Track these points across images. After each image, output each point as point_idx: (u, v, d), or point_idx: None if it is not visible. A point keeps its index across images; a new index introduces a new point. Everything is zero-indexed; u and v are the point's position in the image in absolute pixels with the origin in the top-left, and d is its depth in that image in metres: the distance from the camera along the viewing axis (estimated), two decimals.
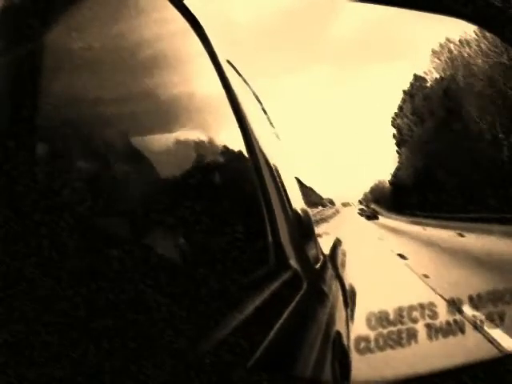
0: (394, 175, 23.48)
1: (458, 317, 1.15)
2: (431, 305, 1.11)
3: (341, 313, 1.58)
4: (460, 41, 21.38)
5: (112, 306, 0.46)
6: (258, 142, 1.22)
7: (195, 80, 1.06)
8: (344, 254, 2.77)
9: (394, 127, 25.70)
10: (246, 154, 1.12)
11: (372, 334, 1.03)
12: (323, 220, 10.18)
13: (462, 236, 11.39)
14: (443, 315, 1.12)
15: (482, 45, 19.26)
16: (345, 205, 16.56)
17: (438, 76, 23.55)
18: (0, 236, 0.40)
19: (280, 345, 0.75)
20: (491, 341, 3.12)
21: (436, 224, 15.33)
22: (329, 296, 1.50)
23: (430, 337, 1.07)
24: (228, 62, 1.26)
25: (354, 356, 1.10)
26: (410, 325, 1.06)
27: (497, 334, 3.14)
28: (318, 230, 2.76)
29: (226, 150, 1.06)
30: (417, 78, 24.34)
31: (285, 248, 1.15)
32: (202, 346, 0.55)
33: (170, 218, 0.67)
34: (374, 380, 1.52)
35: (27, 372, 0.37)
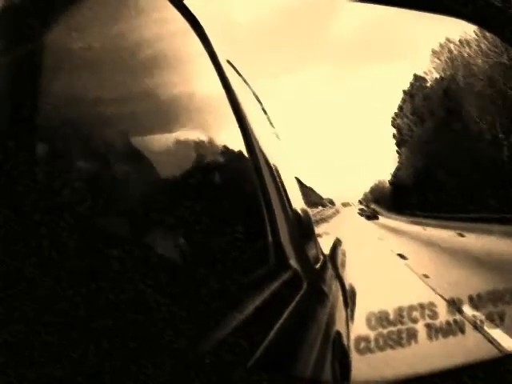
0: (394, 175, 23.49)
1: (457, 317, 1.15)
2: (431, 305, 1.11)
3: (341, 313, 1.58)
4: (460, 41, 21.40)
5: (112, 306, 0.46)
6: (257, 142, 1.22)
7: (195, 80, 1.06)
8: (344, 254, 2.77)
9: (393, 127, 25.72)
10: (246, 153, 1.12)
11: (372, 334, 1.03)
12: (323, 220, 10.18)
13: (462, 236, 11.39)
14: (443, 315, 1.12)
15: (482, 45, 19.26)
16: (345, 205, 16.56)
17: (437, 76, 23.57)
18: (0, 236, 0.40)
19: (280, 345, 0.75)
20: (491, 341, 3.12)
21: (436, 224, 15.32)
22: (329, 296, 1.50)
23: (429, 337, 1.07)
24: (228, 61, 1.26)
25: (354, 356, 1.10)
26: (410, 325, 1.06)
27: (497, 334, 3.14)
28: (318, 230, 2.76)
29: (226, 150, 1.06)
30: (417, 77, 24.36)
31: (285, 248, 1.15)
32: (202, 346, 0.55)
33: (170, 218, 0.67)
34: (374, 380, 1.52)
35: (27, 372, 0.37)
